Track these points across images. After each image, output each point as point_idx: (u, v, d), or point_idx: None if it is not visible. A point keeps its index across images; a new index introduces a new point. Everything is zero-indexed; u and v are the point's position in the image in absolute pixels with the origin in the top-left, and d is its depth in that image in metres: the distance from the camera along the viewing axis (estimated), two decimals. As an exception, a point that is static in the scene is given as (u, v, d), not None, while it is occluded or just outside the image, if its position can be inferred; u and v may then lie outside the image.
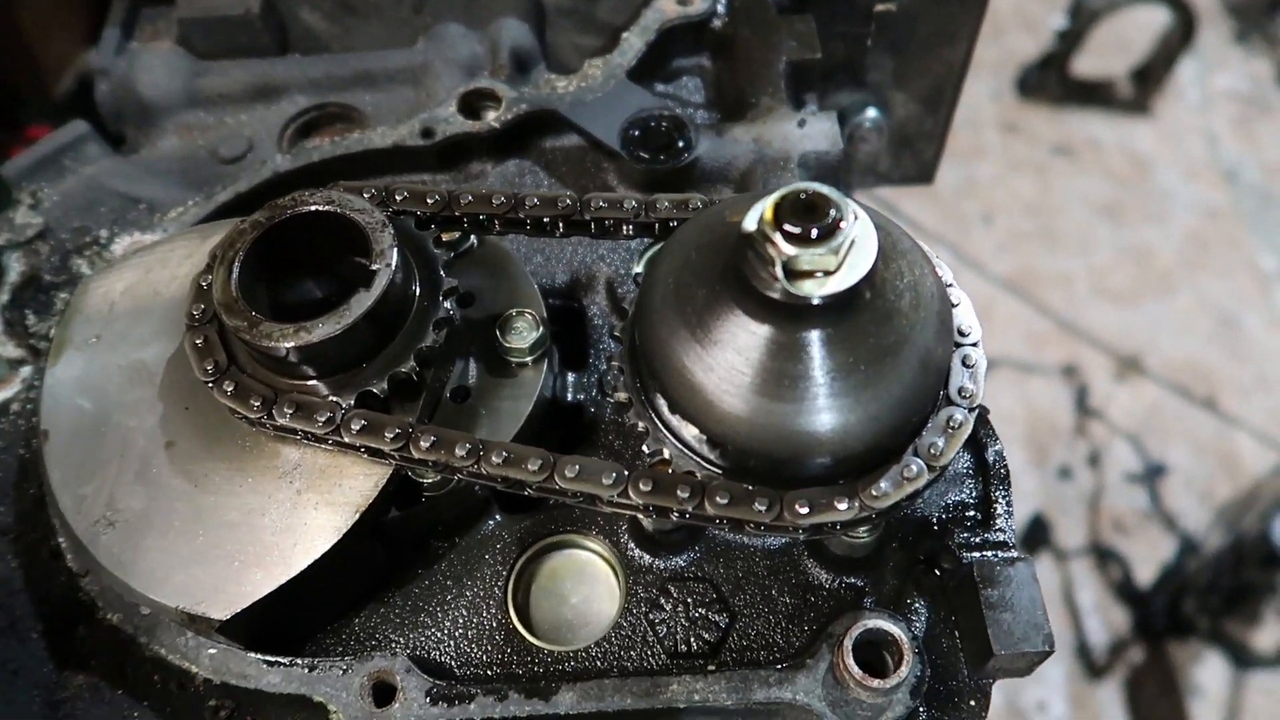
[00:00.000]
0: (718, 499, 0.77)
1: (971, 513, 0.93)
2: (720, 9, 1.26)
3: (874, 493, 0.76)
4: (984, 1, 1.38)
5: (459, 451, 0.81)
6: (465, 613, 0.92)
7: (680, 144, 1.13)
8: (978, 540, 0.91)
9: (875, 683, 0.79)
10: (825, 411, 0.74)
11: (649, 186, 1.12)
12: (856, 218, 0.71)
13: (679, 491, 0.77)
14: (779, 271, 0.70)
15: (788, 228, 0.70)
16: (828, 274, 0.71)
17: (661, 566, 0.93)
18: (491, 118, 1.16)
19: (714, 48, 1.27)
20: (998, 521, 0.91)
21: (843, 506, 0.76)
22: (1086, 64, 6.19)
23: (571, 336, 1.08)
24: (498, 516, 0.96)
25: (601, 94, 1.18)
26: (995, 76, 6.34)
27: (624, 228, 0.93)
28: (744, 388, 0.74)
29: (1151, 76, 6.15)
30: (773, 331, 0.73)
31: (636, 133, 1.14)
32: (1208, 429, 4.95)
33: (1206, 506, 4.57)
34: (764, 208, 0.71)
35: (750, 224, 0.71)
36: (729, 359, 0.74)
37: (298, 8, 1.36)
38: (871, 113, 1.49)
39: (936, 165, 1.62)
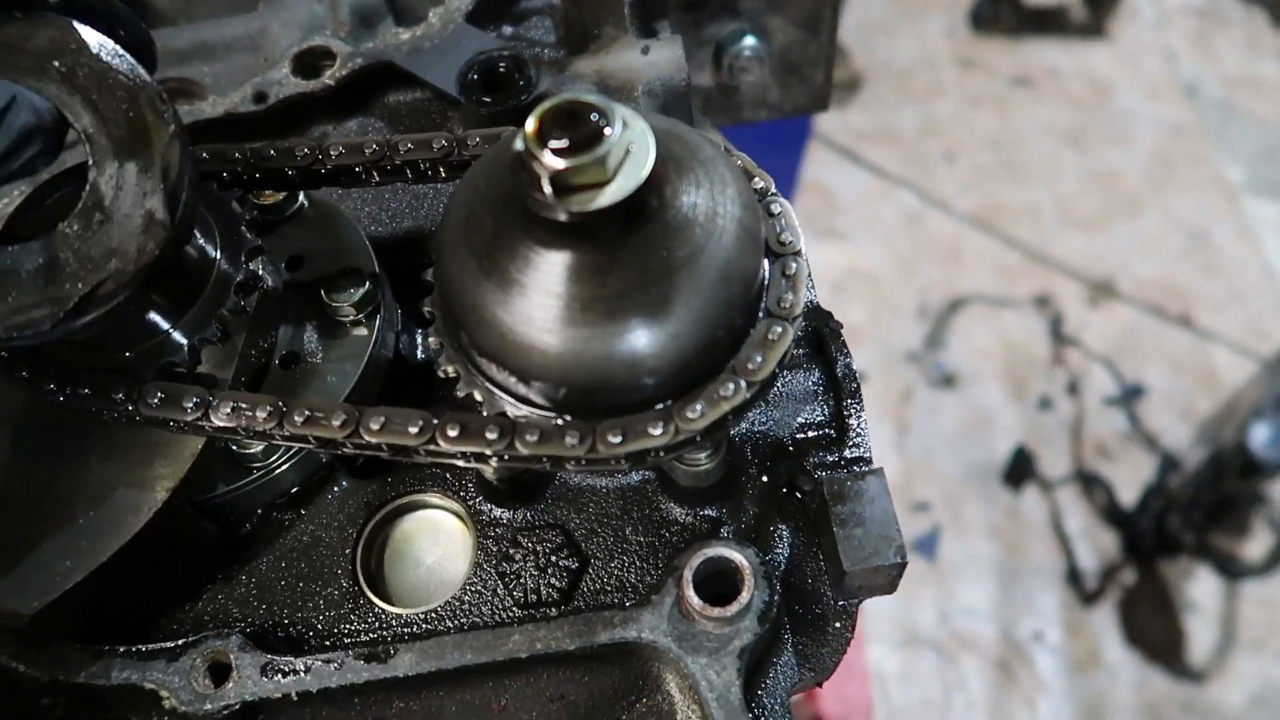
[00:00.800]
0: (527, 437, 0.73)
1: (826, 431, 0.89)
2: (563, -58, 1.21)
3: (689, 414, 0.72)
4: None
5: (260, 414, 0.77)
6: (312, 584, 0.89)
7: (521, 83, 1.08)
8: (834, 459, 0.87)
9: (716, 611, 0.76)
10: (624, 333, 0.70)
11: (493, 131, 1.07)
12: (627, 124, 0.67)
13: (488, 434, 0.74)
14: (547, 188, 0.66)
15: (553, 142, 0.65)
16: (600, 185, 0.67)
17: (511, 518, 0.90)
18: (326, 75, 1.12)
19: (561, -17, 1.23)
20: (852, 437, 0.87)
21: (657, 432, 0.72)
22: (1039, -10, 6.04)
23: (423, 293, 1.04)
24: (343, 482, 0.93)
25: (439, 40, 1.13)
26: (948, 12, 6.27)
27: (439, 169, 0.89)
28: (537, 317, 0.70)
29: (1104, -3, 6.04)
30: (557, 255, 0.69)
31: (475, 76, 1.10)
32: (1184, 346, 4.92)
33: (1188, 423, 4.56)
34: (528, 123, 0.67)
35: (518, 143, 0.67)
36: (519, 289, 0.70)
37: (137, -14, 1.30)
38: (750, 41, 1.44)
39: (829, 90, 1.57)
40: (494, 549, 0.89)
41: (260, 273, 0.85)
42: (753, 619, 0.77)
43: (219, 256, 0.83)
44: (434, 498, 0.92)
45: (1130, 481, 4.25)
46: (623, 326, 0.70)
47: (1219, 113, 5.81)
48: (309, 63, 1.13)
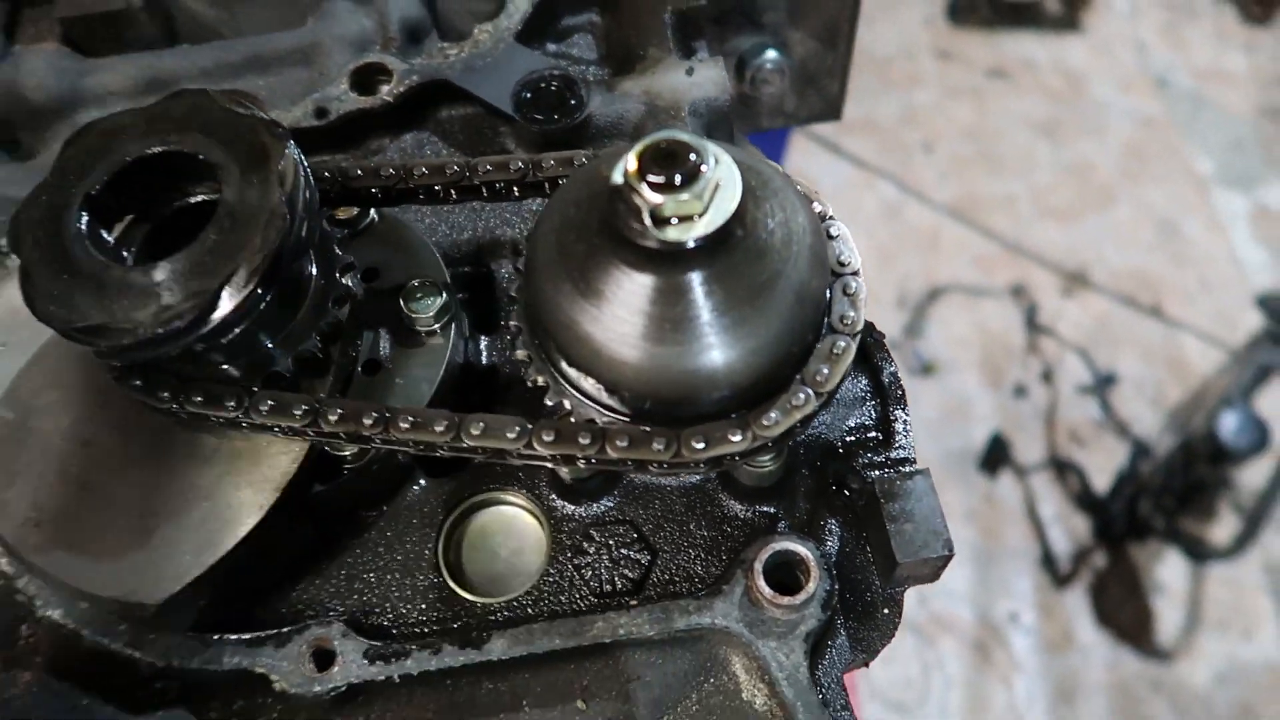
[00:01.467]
0: (618, 443, 0.80)
1: (873, 434, 0.97)
2: (604, -37, 1.27)
3: (765, 422, 0.80)
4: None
5: (366, 421, 0.84)
6: (399, 575, 0.95)
7: (572, 102, 1.15)
8: (880, 459, 0.95)
9: (786, 600, 0.83)
10: (709, 350, 0.77)
11: (545, 147, 1.14)
12: (718, 161, 0.74)
13: (580, 439, 0.81)
14: (647, 220, 0.73)
15: (651, 177, 0.72)
16: (695, 218, 0.74)
17: (583, 514, 0.97)
18: (384, 91, 1.17)
19: (601, 3, 1.29)
20: (898, 439, 0.95)
21: (736, 438, 0.79)
22: (1013, -16, 6.12)
23: (482, 301, 1.11)
24: (422, 482, 1.00)
25: (491, 59, 1.19)
26: (927, 3, 6.33)
27: (514, 189, 0.95)
28: (629, 335, 0.77)
29: (1078, -11, 6.12)
30: (650, 279, 0.76)
31: (529, 95, 1.16)
32: (1155, 335, 5.04)
33: (1159, 411, 4.68)
34: (628, 160, 0.73)
35: (617, 177, 0.74)
36: (612, 309, 0.77)
37: (182, -4, 1.35)
38: (771, 54, 1.51)
39: (843, 100, 1.65)
40: (567, 542, 0.96)
41: (351, 286, 0.91)
42: (816, 606, 0.85)
43: (315, 272, 0.89)
44: (508, 494, 0.99)
45: (1102, 468, 4.38)
46: (707, 344, 0.77)
47: (1189, 104, 5.93)
48: (367, 79, 1.18)
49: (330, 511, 0.96)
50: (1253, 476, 4.14)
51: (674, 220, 0.73)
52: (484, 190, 0.95)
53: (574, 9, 1.29)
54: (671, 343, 0.77)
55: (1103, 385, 4.58)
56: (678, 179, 0.72)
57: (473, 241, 1.13)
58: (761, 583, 0.84)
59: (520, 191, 0.95)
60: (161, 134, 0.83)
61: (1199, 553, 3.95)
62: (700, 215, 0.73)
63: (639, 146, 0.74)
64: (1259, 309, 4.49)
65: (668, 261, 0.76)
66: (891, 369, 0.97)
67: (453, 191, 0.95)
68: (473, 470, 1.00)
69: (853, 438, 0.97)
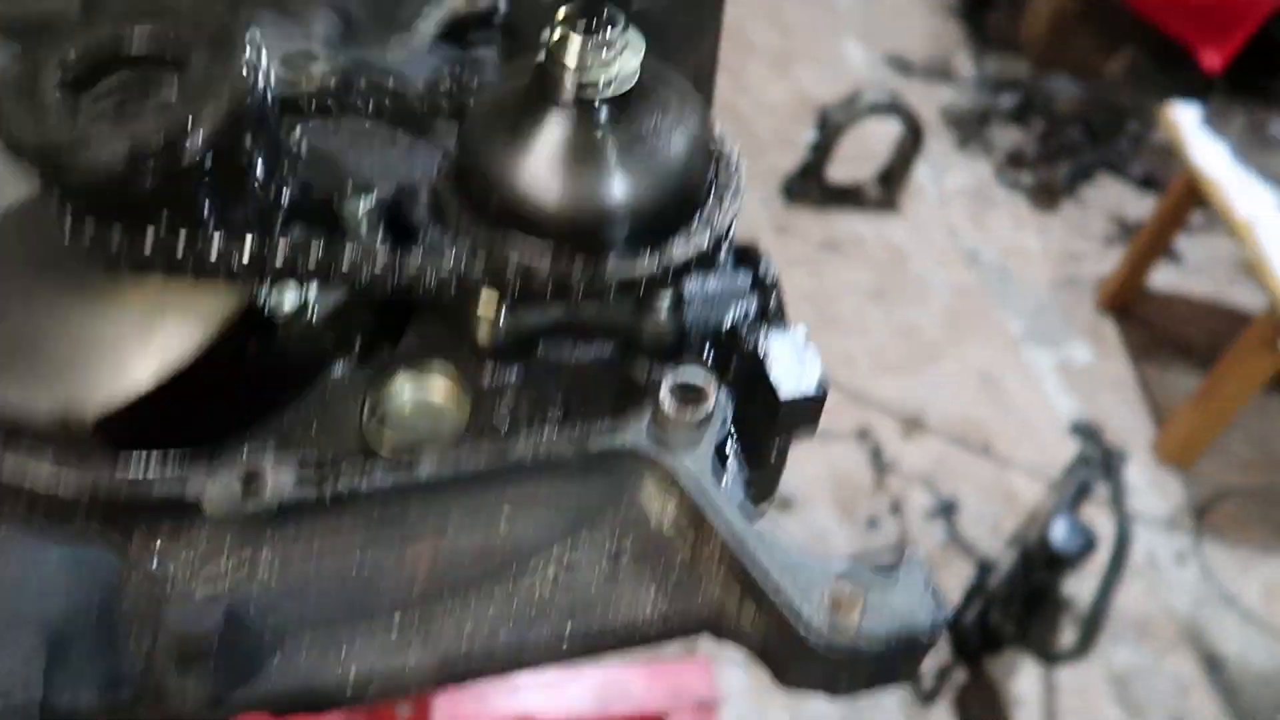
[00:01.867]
0: (543, 261, 0.93)
1: (756, 315, 1.12)
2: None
3: (669, 251, 0.94)
4: (720, 4, 1.68)
5: (313, 251, 0.93)
6: (326, 438, 1.01)
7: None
8: (761, 327, 1.09)
9: (690, 413, 0.95)
10: (616, 180, 0.92)
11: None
12: (627, 27, 0.92)
13: (510, 264, 0.93)
14: (571, 64, 0.90)
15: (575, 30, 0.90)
16: (607, 68, 0.91)
17: (500, 381, 1.06)
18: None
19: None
20: (774, 315, 1.10)
21: (645, 262, 0.93)
22: (840, 171, 6.92)
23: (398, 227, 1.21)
24: (345, 360, 1.07)
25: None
26: (763, 186, 6.99)
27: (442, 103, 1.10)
28: (553, 167, 0.92)
29: (894, 179, 6.94)
30: (569, 121, 0.92)
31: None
32: (987, 472, 5.43)
33: (998, 537, 4.98)
34: (557, 14, 0.91)
35: (548, 34, 0.91)
36: (538, 147, 0.92)
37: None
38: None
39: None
40: (488, 404, 1.04)
41: (291, 179, 1.02)
42: (718, 420, 0.96)
43: (264, 160, 0.97)
44: (427, 367, 1.07)
45: (953, 587, 4.61)
46: (615, 175, 0.92)
47: (997, 276, 6.67)
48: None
49: (262, 374, 1.01)
50: (1087, 590, 4.45)
51: (591, 76, 0.90)
52: (418, 105, 1.10)
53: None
54: (586, 174, 0.92)
55: (947, 511, 4.88)
56: (594, 25, 0.89)
57: (391, 177, 1.25)
58: (667, 400, 0.95)
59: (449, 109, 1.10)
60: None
61: (1048, 655, 4.15)
62: (612, 69, 0.91)
63: (565, 8, 0.91)
64: (1073, 435, 4.96)
65: (584, 108, 0.92)
66: (768, 266, 1.13)
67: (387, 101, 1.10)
68: (394, 352, 1.08)
69: (739, 318, 1.11)
